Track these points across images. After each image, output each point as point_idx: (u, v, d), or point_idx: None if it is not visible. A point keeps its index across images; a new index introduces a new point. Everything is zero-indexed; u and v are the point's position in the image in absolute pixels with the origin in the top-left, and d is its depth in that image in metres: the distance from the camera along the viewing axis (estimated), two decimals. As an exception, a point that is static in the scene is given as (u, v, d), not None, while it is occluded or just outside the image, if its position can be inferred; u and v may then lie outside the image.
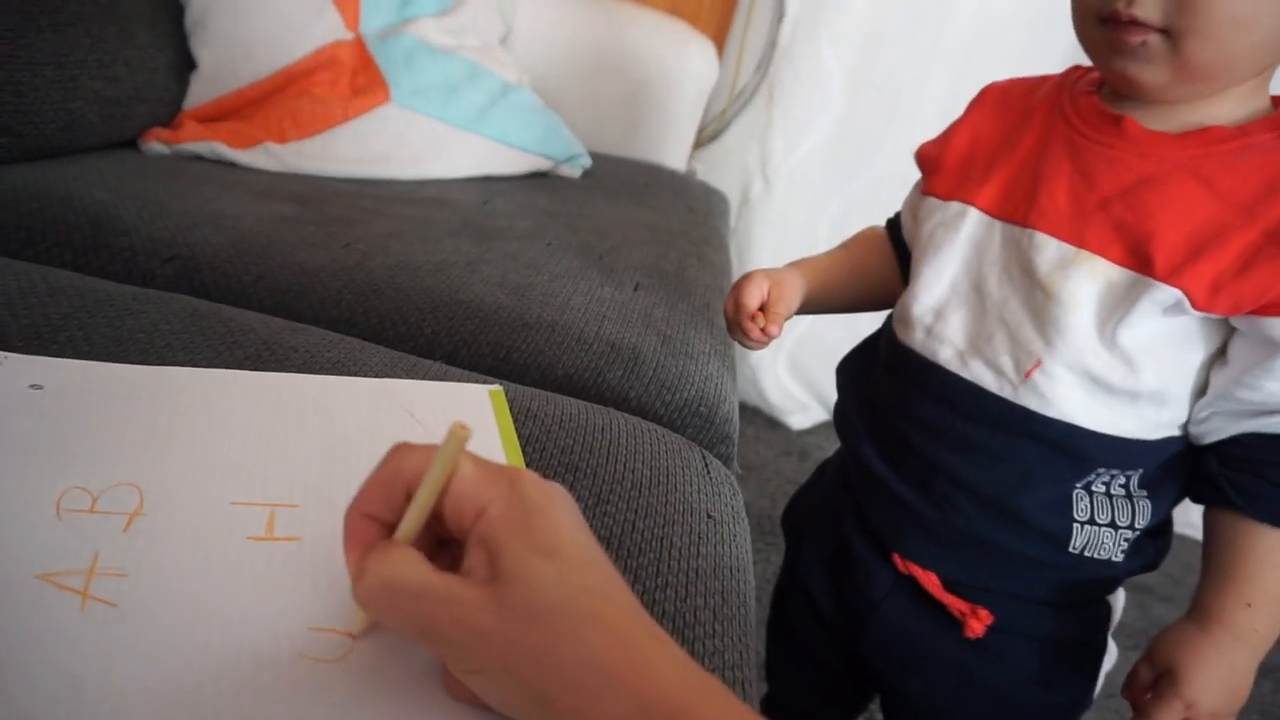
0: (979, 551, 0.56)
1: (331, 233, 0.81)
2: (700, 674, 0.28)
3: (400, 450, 0.31)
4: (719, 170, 1.63)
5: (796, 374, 1.67)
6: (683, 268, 0.93)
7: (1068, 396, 0.51)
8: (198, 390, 0.48)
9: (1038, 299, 0.51)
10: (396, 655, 0.32)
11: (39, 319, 0.54)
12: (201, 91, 1.03)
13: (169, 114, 1.03)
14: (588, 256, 0.88)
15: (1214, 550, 0.52)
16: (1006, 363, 0.53)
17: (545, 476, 0.47)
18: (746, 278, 0.65)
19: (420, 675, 0.32)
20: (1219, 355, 0.51)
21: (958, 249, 0.56)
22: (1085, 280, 0.50)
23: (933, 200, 0.59)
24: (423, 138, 1.07)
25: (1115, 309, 0.49)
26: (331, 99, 1.05)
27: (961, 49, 1.44)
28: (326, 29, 1.08)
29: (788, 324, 0.67)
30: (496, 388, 0.56)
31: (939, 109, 1.46)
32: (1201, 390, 0.51)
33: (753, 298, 0.64)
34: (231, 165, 0.99)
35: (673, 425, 0.67)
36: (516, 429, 0.52)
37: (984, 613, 0.57)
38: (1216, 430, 0.51)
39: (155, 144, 0.99)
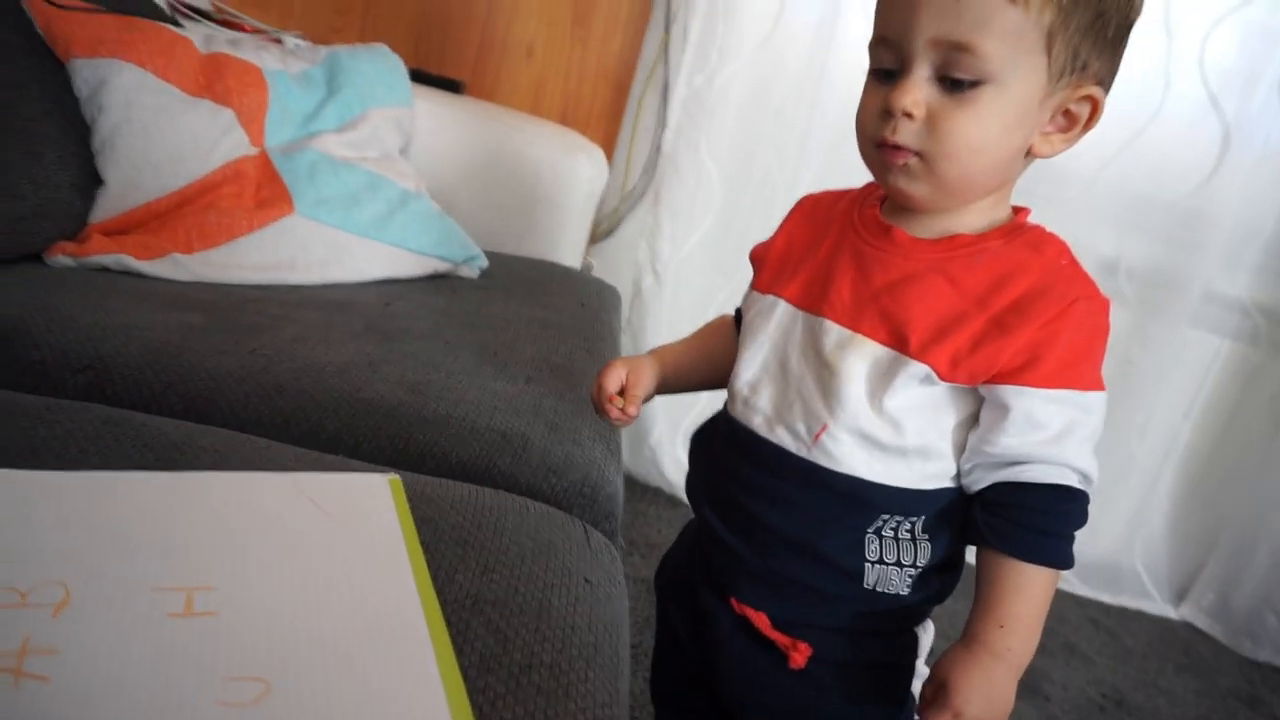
0: (795, 591, 0.65)
1: (238, 339, 0.86)
2: None
3: None
4: (613, 264, 1.74)
5: (694, 454, 1.75)
6: (572, 360, 1.01)
7: (850, 454, 0.61)
8: (114, 491, 0.52)
9: (824, 375, 0.62)
10: (309, 697, 0.38)
11: (-46, 432, 0.57)
12: (109, 206, 1.08)
13: (74, 228, 1.06)
14: (483, 353, 0.96)
15: (979, 582, 0.62)
16: (801, 428, 0.63)
17: (438, 551, 0.53)
18: (607, 366, 0.75)
19: (330, 712, 0.37)
20: (974, 418, 0.62)
21: (769, 334, 0.67)
22: (858, 358, 0.60)
23: (754, 294, 0.71)
24: (326, 245, 1.14)
25: (881, 381, 0.60)
26: (237, 211, 1.11)
27: (826, 150, 1.60)
28: (233, 145, 1.15)
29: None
30: (394, 477, 0.62)
31: (809, 206, 1.62)
32: (962, 447, 0.62)
33: (611, 383, 0.74)
34: (139, 276, 1.03)
35: (559, 505, 0.74)
36: (413, 511, 0.58)
37: (804, 646, 0.65)
38: (977, 481, 0.61)
39: (61, 257, 1.02)
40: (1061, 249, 0.61)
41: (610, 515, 0.77)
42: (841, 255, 0.65)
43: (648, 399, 0.77)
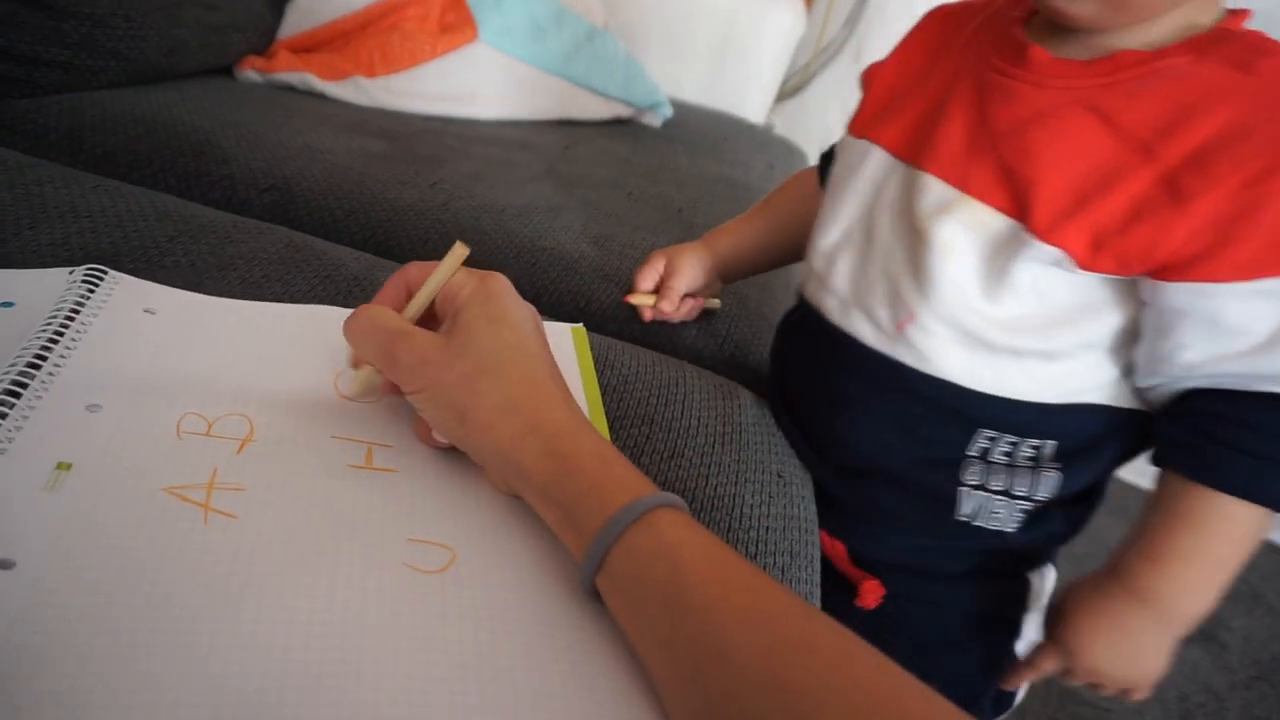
0: (875, 519, 0.54)
1: (418, 171, 0.82)
2: (585, 421, 0.37)
3: (409, 265, 0.42)
4: (798, 126, 1.60)
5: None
6: (760, 226, 0.93)
7: (943, 352, 0.47)
8: (297, 325, 0.50)
9: (917, 246, 0.46)
10: (493, 568, 0.35)
11: (147, 241, 0.56)
12: (297, 22, 1.05)
13: (264, 43, 1.05)
14: (666, 209, 0.89)
15: (1147, 508, 0.46)
16: (883, 315, 0.49)
17: (624, 427, 0.48)
18: (645, 260, 0.65)
19: (515, 585, 0.34)
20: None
21: (858, 191, 0.51)
22: (961, 227, 0.44)
23: (848, 138, 0.54)
24: (507, 78, 1.08)
25: (994, 261, 0.44)
26: (420, 35, 1.06)
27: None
28: (418, -36, 1.09)
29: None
30: (579, 326, 0.57)
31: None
32: (1115, 351, 0.46)
33: (645, 281, 0.64)
34: (321, 97, 1.00)
35: (745, 384, 0.68)
36: (600, 379, 0.53)
37: (874, 584, 0.54)
38: (1163, 393, 0.46)
39: (250, 72, 1.01)
40: None
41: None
42: (959, 87, 0.47)
43: (705, 291, 0.66)
